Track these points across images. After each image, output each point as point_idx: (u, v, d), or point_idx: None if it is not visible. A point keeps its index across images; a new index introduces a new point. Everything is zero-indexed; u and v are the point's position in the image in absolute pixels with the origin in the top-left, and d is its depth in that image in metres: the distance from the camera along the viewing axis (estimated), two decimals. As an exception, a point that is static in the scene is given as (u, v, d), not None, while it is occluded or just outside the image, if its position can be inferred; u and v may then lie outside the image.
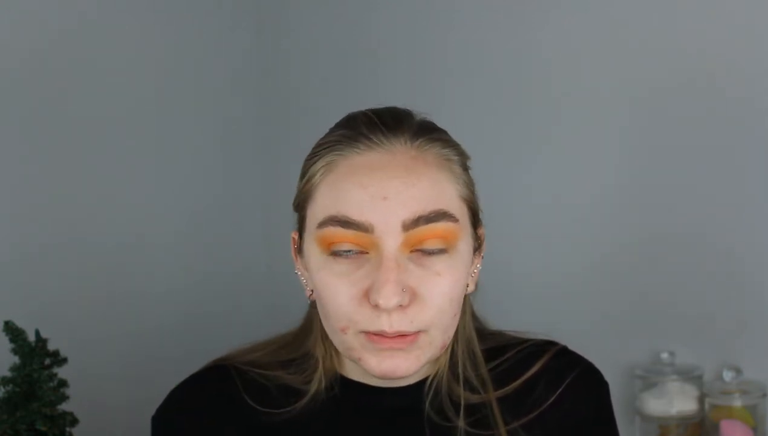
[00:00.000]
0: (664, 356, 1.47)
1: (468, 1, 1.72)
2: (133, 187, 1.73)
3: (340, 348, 0.85)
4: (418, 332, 0.81)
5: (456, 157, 0.87)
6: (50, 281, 1.57)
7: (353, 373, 0.91)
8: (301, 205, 0.88)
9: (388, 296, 0.79)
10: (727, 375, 1.40)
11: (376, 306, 0.80)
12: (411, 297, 0.81)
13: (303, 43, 1.96)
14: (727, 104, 1.45)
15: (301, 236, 0.88)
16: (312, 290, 0.88)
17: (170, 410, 0.92)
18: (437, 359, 0.90)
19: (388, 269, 0.80)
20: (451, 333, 0.85)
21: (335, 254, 0.82)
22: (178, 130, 1.83)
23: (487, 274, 1.66)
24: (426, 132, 0.86)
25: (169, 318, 1.77)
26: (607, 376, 0.95)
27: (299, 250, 0.89)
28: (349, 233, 0.81)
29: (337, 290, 0.82)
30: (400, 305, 0.80)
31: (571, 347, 0.97)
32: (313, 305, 0.92)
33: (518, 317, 1.53)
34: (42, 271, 1.56)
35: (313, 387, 0.90)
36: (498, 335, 0.97)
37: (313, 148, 0.88)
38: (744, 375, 1.41)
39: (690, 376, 1.45)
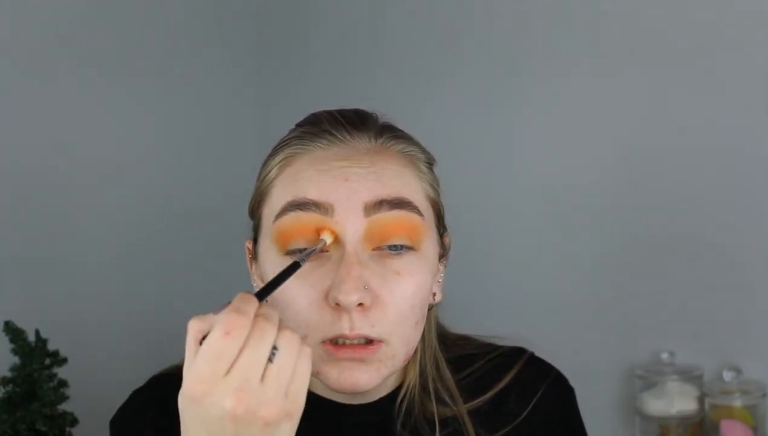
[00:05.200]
0: (664, 356, 1.47)
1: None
2: (133, 187, 1.73)
3: None
4: (379, 342, 0.76)
5: (422, 156, 0.84)
6: (50, 280, 1.57)
7: (317, 387, 0.84)
8: (256, 207, 0.83)
9: (349, 292, 0.73)
10: (727, 375, 1.40)
11: (336, 306, 0.74)
12: (372, 299, 0.75)
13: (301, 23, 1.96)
14: (730, 105, 1.45)
15: (256, 242, 0.83)
16: (266, 301, 0.83)
17: (130, 416, 0.90)
18: (404, 371, 0.86)
19: (349, 263, 0.74)
20: (413, 345, 0.79)
21: (292, 254, 0.76)
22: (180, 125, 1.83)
23: (485, 272, 1.67)
24: (390, 130, 0.83)
25: (171, 317, 1.76)
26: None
27: (255, 258, 0.84)
28: (307, 219, 0.76)
29: (296, 294, 0.76)
30: (361, 305, 0.74)
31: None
32: None
33: (517, 317, 1.54)
34: (42, 271, 1.55)
35: None
36: (464, 340, 0.93)
37: (272, 150, 0.84)
38: (744, 375, 1.41)
39: (690, 376, 1.45)
